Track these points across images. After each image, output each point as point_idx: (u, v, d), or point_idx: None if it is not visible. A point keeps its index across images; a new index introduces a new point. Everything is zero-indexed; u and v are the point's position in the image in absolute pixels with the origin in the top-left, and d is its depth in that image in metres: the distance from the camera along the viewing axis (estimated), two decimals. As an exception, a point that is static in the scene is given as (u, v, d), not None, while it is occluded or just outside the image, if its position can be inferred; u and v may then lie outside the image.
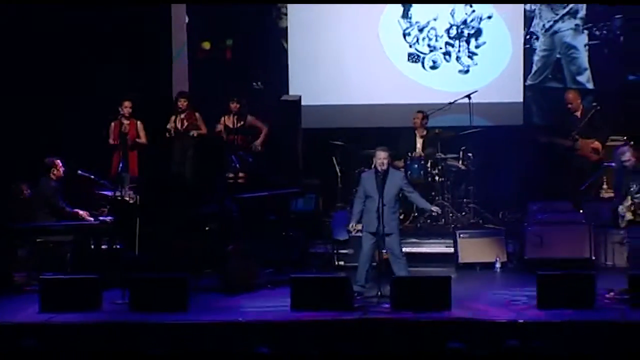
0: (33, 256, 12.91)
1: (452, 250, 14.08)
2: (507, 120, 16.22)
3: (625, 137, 15.03)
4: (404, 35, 16.55)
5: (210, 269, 13.04)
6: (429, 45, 16.55)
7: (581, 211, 13.86)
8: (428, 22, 16.51)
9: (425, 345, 9.99)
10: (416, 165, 15.08)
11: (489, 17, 16.42)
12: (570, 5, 16.25)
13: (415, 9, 16.45)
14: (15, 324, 11.08)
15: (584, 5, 16.19)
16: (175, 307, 11.41)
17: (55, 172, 13.17)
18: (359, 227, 12.30)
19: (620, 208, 12.15)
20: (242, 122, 15.45)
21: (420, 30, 16.53)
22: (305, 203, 14.49)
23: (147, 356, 9.36)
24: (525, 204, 14.29)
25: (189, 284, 11.74)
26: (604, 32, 16.28)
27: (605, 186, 14.72)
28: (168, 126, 15.33)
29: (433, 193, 15.09)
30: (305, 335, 10.65)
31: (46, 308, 11.43)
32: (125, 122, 15.03)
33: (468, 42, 16.49)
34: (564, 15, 16.36)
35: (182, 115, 15.33)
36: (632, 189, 12.12)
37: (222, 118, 15.51)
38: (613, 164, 12.69)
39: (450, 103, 15.54)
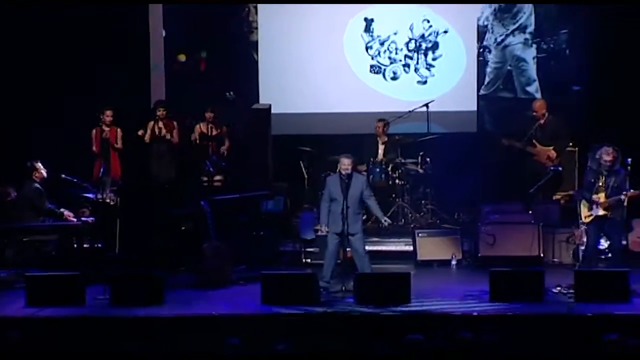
0: (19, 254, 12.84)
1: (411, 248, 14.08)
2: (461, 127, 16.24)
3: (571, 143, 15.15)
4: (367, 49, 16.57)
5: (186, 266, 13.01)
6: (389, 58, 16.56)
7: (530, 212, 13.90)
8: (389, 36, 16.52)
9: (387, 337, 9.98)
10: (378, 170, 15.12)
11: (445, 32, 16.46)
12: (520, 21, 16.32)
13: (377, 24, 16.47)
14: (2, 317, 11.02)
15: (533, 21, 16.27)
16: (153, 302, 11.40)
17: (37, 174, 13.12)
18: (323, 228, 12.32)
19: (594, 204, 12.13)
20: (218, 130, 15.41)
21: (382, 43, 16.55)
22: (274, 204, 14.47)
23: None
24: (479, 206, 14.32)
25: (166, 281, 11.74)
26: (551, 45, 16.36)
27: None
28: (139, 132, 15.20)
29: (394, 195, 15.14)
30: (275, 328, 10.64)
31: (31, 303, 11.38)
32: (106, 129, 14.96)
33: (426, 55, 16.52)
34: (514, 30, 16.43)
35: (160, 123, 15.25)
36: (607, 187, 12.08)
37: (198, 125, 15.46)
38: (589, 165, 12.61)
39: (409, 111, 15.57)
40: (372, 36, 16.54)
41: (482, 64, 16.48)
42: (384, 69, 16.59)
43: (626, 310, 10.90)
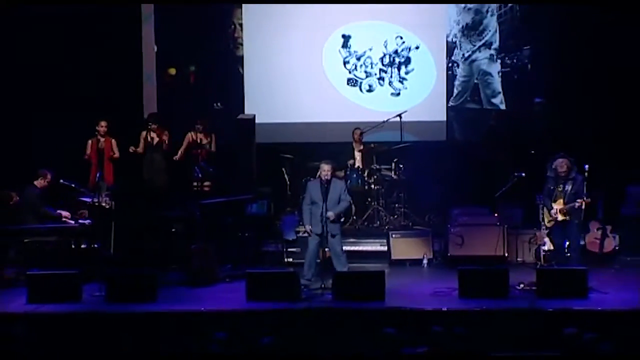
0: (21, 254, 12.78)
1: (385, 248, 14.10)
2: (432, 136, 16.26)
3: (532, 151, 15.20)
4: (344, 63, 16.58)
5: (176, 265, 12.98)
6: (365, 72, 16.58)
7: (496, 215, 13.93)
8: (364, 52, 16.54)
9: (363, 331, 9.99)
10: (355, 175, 15.12)
11: (417, 48, 16.49)
12: (486, 38, 16.37)
13: (354, 40, 16.48)
14: (6, 313, 11.01)
15: (497, 38, 16.32)
16: (146, 298, 11.39)
17: (41, 181, 13.08)
18: (308, 228, 12.32)
19: (554, 210, 12.22)
20: (208, 139, 15.39)
21: (358, 58, 16.56)
22: (258, 208, 14.43)
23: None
24: (448, 209, 14.36)
25: (158, 278, 11.71)
26: (515, 60, 16.40)
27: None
28: (131, 149, 15.15)
29: (369, 199, 15.15)
30: (259, 323, 10.64)
31: (33, 300, 11.36)
32: (102, 139, 14.92)
33: (399, 69, 16.54)
34: (480, 46, 16.47)
35: (153, 133, 15.21)
36: (565, 193, 12.17)
37: (189, 134, 15.42)
38: (548, 173, 12.69)
39: (383, 121, 15.59)
40: (349, 52, 16.56)
41: (450, 77, 16.51)
42: (360, 82, 16.60)
43: (584, 306, 10.93)
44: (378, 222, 15.06)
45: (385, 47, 16.51)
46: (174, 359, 8.51)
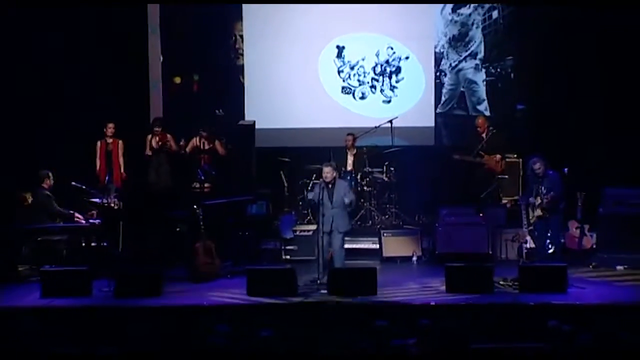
0: (34, 252, 12.78)
1: (377, 246, 14.07)
2: (421, 141, 16.23)
3: (515, 155, 15.21)
4: (338, 72, 16.56)
5: (180, 262, 12.95)
6: (358, 80, 16.56)
7: (481, 215, 13.93)
8: (358, 62, 16.53)
9: (356, 323, 9.99)
10: (348, 178, 15.07)
11: (407, 58, 16.48)
12: (471, 49, 16.36)
13: (348, 51, 16.46)
14: (21, 307, 11.03)
15: (482, 49, 16.31)
16: (152, 293, 11.40)
17: (47, 182, 13.08)
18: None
19: (532, 205, 12.29)
20: (211, 145, 15.36)
21: (352, 68, 16.55)
22: (258, 208, 14.42)
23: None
24: (437, 209, 14.32)
25: (163, 275, 11.72)
26: (498, 70, 16.39)
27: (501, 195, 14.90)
28: (147, 152, 15.20)
29: (362, 200, 15.13)
30: (259, 316, 10.64)
31: (46, 294, 11.39)
32: (110, 141, 14.91)
33: (390, 78, 16.52)
34: (466, 56, 16.46)
35: (157, 137, 15.22)
36: (541, 191, 12.27)
37: (193, 139, 15.39)
38: (527, 173, 12.77)
39: (375, 127, 15.57)
40: (343, 61, 16.54)
41: (438, 85, 16.49)
42: (354, 90, 16.59)
43: (564, 300, 10.96)
44: (370, 222, 15.06)
45: (377, 57, 16.50)
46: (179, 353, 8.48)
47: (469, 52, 16.46)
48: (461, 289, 11.34)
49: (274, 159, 15.84)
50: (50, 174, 13.11)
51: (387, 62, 16.52)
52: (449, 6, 16.37)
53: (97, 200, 13.36)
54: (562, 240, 13.16)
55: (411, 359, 7.90)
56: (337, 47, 16.52)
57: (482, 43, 16.39)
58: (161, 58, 16.40)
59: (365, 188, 15.21)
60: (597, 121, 15.02)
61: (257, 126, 15.74)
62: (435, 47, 16.46)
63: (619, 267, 12.90)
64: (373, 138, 15.66)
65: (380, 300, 11.17)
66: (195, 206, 12.91)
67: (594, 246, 13.44)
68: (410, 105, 16.45)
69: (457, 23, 16.43)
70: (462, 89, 16.52)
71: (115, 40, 15.46)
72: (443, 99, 16.53)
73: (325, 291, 11.50)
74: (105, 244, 13.14)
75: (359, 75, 16.56)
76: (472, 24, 16.41)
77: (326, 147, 15.69)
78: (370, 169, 15.31)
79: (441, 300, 11.14)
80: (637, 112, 14.70)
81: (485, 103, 16.43)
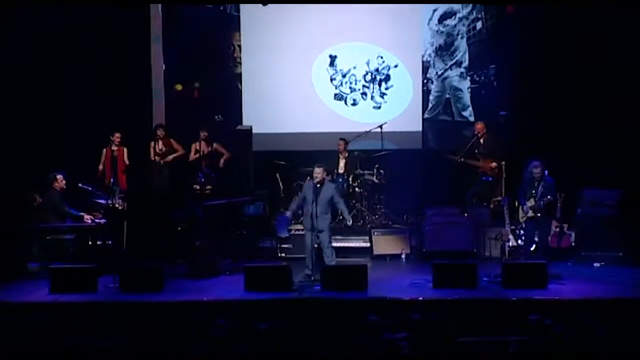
0: (44, 250, 12.76)
1: (368, 244, 14.10)
2: (409, 144, 16.25)
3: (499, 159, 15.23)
4: (331, 80, 16.57)
5: (181, 260, 12.93)
6: (350, 88, 16.57)
7: (466, 215, 13.95)
8: (349, 70, 16.54)
9: (348, 318, 9.98)
10: (340, 180, 15.12)
11: (396, 66, 16.50)
12: (457, 58, 16.39)
13: (340, 60, 16.47)
14: (31, 302, 11.01)
15: (467, 58, 16.33)
16: (154, 289, 11.38)
17: (57, 184, 13.07)
18: (288, 214, 12.67)
19: (526, 207, 12.32)
20: (210, 148, 15.37)
21: (344, 76, 16.56)
22: (255, 209, 14.43)
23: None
24: (424, 209, 14.34)
25: (164, 272, 11.69)
26: (482, 78, 16.42)
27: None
28: (152, 157, 15.21)
29: (354, 201, 15.14)
30: (256, 310, 10.63)
31: (54, 290, 11.37)
32: (115, 148, 14.92)
33: (380, 85, 16.54)
34: (451, 65, 16.48)
35: (160, 142, 15.23)
36: (536, 194, 12.28)
37: (194, 144, 15.40)
38: (524, 175, 12.80)
39: (366, 132, 15.59)
40: (335, 70, 16.55)
41: (425, 92, 16.51)
42: (346, 97, 16.60)
43: (544, 295, 10.97)
44: (361, 221, 15.05)
45: (368, 65, 16.52)
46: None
47: (454, 61, 16.48)
48: (447, 285, 11.33)
49: (270, 162, 15.85)
50: (61, 176, 13.10)
51: (377, 70, 16.53)
52: (436, 17, 16.41)
53: (102, 201, 13.35)
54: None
55: (400, 352, 7.90)
56: (330, 56, 16.53)
57: (467, 52, 16.41)
58: (163, 67, 16.38)
59: (356, 189, 15.22)
60: (575, 126, 15.04)
61: (254, 131, 15.76)
62: (423, 56, 16.48)
63: (596, 264, 12.95)
64: (364, 142, 15.68)
65: (371, 295, 11.15)
66: (195, 206, 12.90)
67: (573, 244, 13.46)
68: (399, 111, 16.47)
69: (443, 34, 16.46)
70: (447, 96, 16.54)
71: (120, 51, 15.42)
72: (430, 105, 16.55)
73: (319, 287, 11.50)
74: (110, 242, 13.12)
75: (351, 82, 16.57)
76: (457, 34, 16.44)
77: (320, 150, 15.70)
78: (361, 172, 15.32)
79: (429, 295, 11.12)
80: (612, 118, 14.72)
81: (470, 109, 16.45)
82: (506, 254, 12.51)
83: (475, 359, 8.09)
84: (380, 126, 15.47)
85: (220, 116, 16.53)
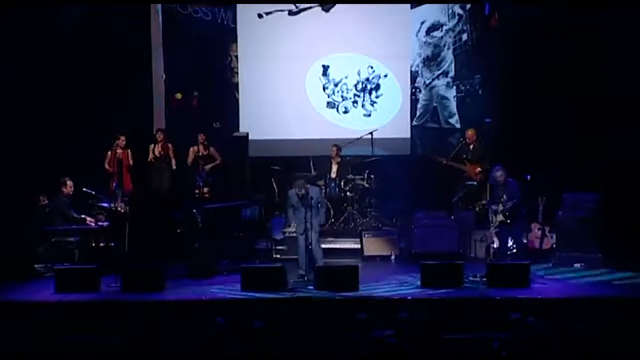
0: (49, 252, 12.76)
1: (359, 246, 14.08)
2: (398, 151, 16.27)
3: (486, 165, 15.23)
4: (324, 89, 16.60)
5: (181, 261, 12.92)
6: (342, 96, 16.60)
7: (452, 218, 13.96)
8: (341, 79, 16.56)
9: (340, 316, 10.00)
10: (333, 184, 15.14)
11: (385, 76, 16.52)
12: (443, 68, 16.43)
13: (332, 70, 16.49)
14: (37, 301, 11.01)
15: (453, 68, 16.38)
16: (155, 288, 11.38)
17: (65, 189, 13.07)
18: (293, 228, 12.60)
19: (494, 211, 12.33)
20: (207, 151, 15.39)
21: (336, 85, 16.58)
22: (251, 212, 14.41)
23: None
24: (412, 212, 14.35)
25: (165, 272, 11.70)
26: (468, 87, 16.45)
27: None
28: (150, 158, 15.22)
29: (345, 204, 15.15)
30: (252, 309, 10.64)
31: (59, 290, 11.36)
32: (119, 151, 14.91)
33: (370, 94, 16.57)
34: (438, 74, 16.52)
35: (160, 146, 15.24)
36: (502, 198, 12.30)
37: (192, 148, 15.40)
38: (490, 181, 12.86)
39: (357, 138, 15.60)
40: (328, 79, 16.58)
41: (414, 101, 16.54)
42: (338, 105, 16.62)
43: (527, 295, 11.00)
44: (352, 224, 15.06)
45: (359, 75, 16.55)
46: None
47: (441, 70, 16.52)
48: (435, 284, 11.37)
49: (266, 167, 15.87)
50: (71, 182, 13.09)
51: (367, 79, 16.56)
52: (424, 29, 16.45)
53: (105, 204, 13.35)
54: (525, 241, 13.20)
55: (389, 348, 7.91)
56: (323, 66, 16.56)
57: (453, 63, 16.45)
58: (164, 76, 16.39)
59: (348, 193, 15.22)
60: (557, 132, 15.06)
61: (250, 137, 15.78)
62: (411, 67, 16.52)
63: (576, 265, 12.96)
64: (355, 148, 15.67)
65: (361, 295, 11.18)
66: (194, 209, 12.90)
67: (554, 246, 13.49)
68: (389, 118, 16.49)
69: (431, 45, 16.50)
70: (435, 104, 16.57)
71: (123, 61, 15.42)
72: (418, 113, 16.58)
73: (312, 287, 11.51)
74: (113, 244, 13.11)
75: (343, 91, 16.59)
76: (444, 45, 16.48)
77: (312, 156, 15.74)
78: (352, 176, 15.33)
79: (417, 294, 11.15)
80: (592, 125, 14.75)
81: (456, 117, 16.49)
82: (491, 255, 12.52)
83: (460, 355, 8.12)
84: (371, 133, 15.46)
85: (218, 123, 16.54)
